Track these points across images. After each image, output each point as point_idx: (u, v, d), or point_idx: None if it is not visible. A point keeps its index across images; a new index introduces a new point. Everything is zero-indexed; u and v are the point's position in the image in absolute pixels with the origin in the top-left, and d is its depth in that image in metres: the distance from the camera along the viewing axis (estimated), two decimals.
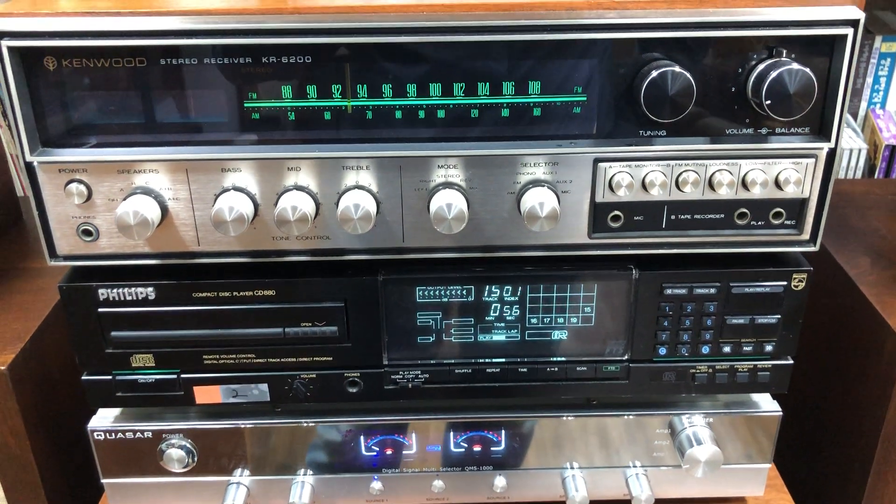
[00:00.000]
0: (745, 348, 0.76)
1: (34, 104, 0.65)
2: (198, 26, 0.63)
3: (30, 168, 0.67)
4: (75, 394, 0.92)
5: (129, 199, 0.67)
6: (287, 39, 0.63)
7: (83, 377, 0.77)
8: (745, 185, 0.68)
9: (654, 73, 0.62)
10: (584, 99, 0.67)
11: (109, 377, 0.76)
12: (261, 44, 0.64)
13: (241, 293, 0.73)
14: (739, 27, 0.64)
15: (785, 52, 0.64)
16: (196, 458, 0.81)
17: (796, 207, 0.70)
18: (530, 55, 0.65)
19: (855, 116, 1.43)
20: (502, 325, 0.76)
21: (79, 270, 0.73)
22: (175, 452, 0.80)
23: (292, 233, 0.67)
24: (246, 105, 0.67)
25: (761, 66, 0.64)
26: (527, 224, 0.67)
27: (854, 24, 0.63)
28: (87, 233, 0.69)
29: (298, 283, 0.73)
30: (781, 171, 0.68)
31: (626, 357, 0.77)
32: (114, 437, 0.80)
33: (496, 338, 0.77)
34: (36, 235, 1.10)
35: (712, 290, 0.74)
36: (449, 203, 0.66)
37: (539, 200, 0.66)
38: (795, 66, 0.62)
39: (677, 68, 0.63)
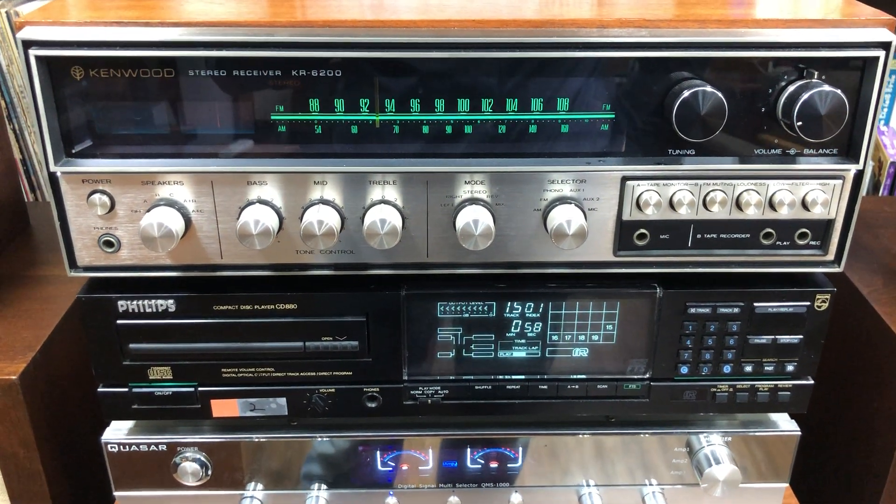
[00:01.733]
0: (766, 368, 0.76)
1: (60, 114, 0.64)
2: (227, 38, 0.62)
3: (53, 178, 0.66)
4: (86, 404, 0.91)
5: (153, 211, 0.66)
6: (317, 53, 0.63)
7: (99, 389, 0.76)
8: (772, 205, 0.68)
9: (686, 93, 0.62)
10: (613, 116, 0.67)
11: (126, 389, 0.76)
12: (290, 57, 0.63)
13: (263, 306, 0.72)
14: (770, 48, 0.64)
15: (816, 73, 0.64)
16: (210, 472, 0.80)
17: (822, 228, 0.70)
18: (559, 72, 0.65)
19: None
20: (523, 341, 0.76)
21: (98, 281, 0.73)
22: (189, 466, 0.79)
23: (318, 247, 0.66)
24: (273, 117, 0.66)
25: (792, 88, 0.64)
26: (554, 241, 0.67)
27: (886, 46, 0.63)
28: (109, 244, 0.69)
29: (320, 297, 0.72)
30: (809, 191, 0.68)
31: (647, 375, 0.77)
32: (128, 449, 0.79)
33: (517, 354, 0.76)
34: (44, 243, 1.10)
35: (736, 310, 0.73)
36: (476, 219, 0.66)
37: (567, 218, 0.66)
38: (827, 87, 0.62)
39: (709, 88, 0.62)
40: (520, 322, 0.75)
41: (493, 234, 0.66)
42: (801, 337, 0.75)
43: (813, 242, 0.71)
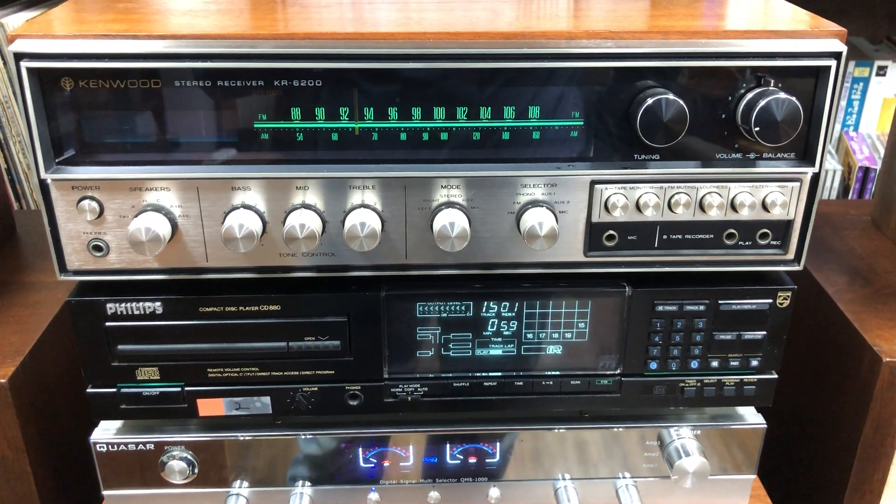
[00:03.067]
0: (731, 363, 0.79)
1: (50, 123, 0.67)
2: (211, 50, 0.65)
3: (44, 185, 0.68)
4: (74, 407, 0.93)
5: (141, 216, 0.69)
6: (298, 64, 0.66)
7: (87, 390, 0.78)
8: (733, 206, 0.72)
9: (650, 101, 0.66)
10: (582, 124, 0.70)
11: (114, 390, 0.78)
12: (272, 68, 0.66)
13: (247, 308, 0.75)
14: (730, 58, 0.67)
15: (773, 81, 0.68)
16: (197, 470, 0.82)
17: (782, 229, 0.74)
18: (531, 81, 0.68)
19: (829, 139, 1.48)
20: (499, 339, 0.79)
21: (86, 285, 0.75)
22: (176, 464, 0.81)
23: (300, 250, 0.69)
24: (256, 126, 0.69)
25: (750, 95, 0.67)
26: (526, 242, 0.70)
27: (837, 56, 0.67)
28: (98, 248, 0.71)
29: (303, 299, 0.75)
30: (768, 193, 0.71)
31: (618, 371, 0.80)
32: (116, 449, 0.81)
33: (493, 352, 0.79)
34: (31, 250, 1.12)
35: (701, 307, 0.77)
36: (452, 222, 0.69)
37: (538, 220, 0.69)
38: (782, 95, 0.66)
39: (671, 96, 0.66)
40: (496, 321, 0.78)
41: (469, 236, 0.69)
42: (765, 333, 0.78)
43: (773, 242, 0.74)
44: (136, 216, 0.69)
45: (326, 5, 0.78)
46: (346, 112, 0.69)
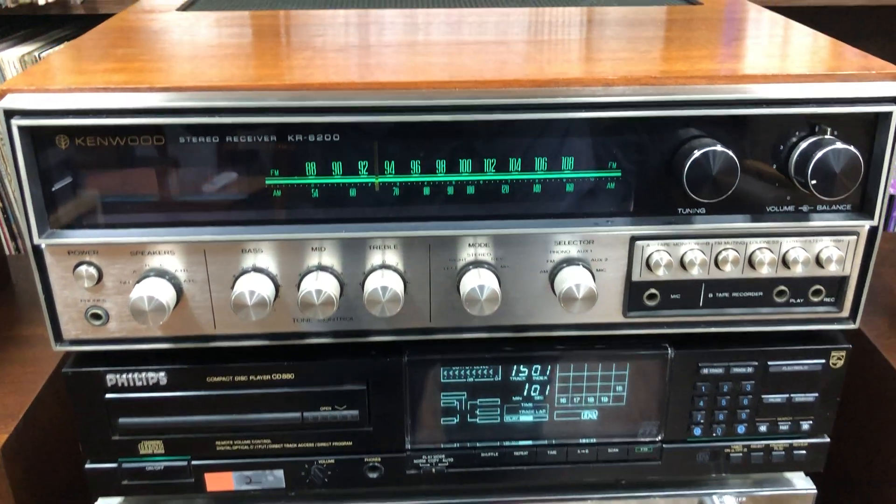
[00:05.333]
0: (780, 427, 0.74)
1: (43, 184, 0.61)
2: (220, 104, 0.60)
3: (37, 251, 0.63)
4: (72, 474, 0.87)
5: (143, 283, 0.63)
6: (314, 118, 0.60)
7: (87, 465, 0.72)
8: (785, 263, 0.66)
9: (697, 153, 0.60)
10: (619, 175, 0.65)
11: (115, 465, 0.72)
12: (286, 123, 0.61)
13: (258, 377, 0.69)
14: (782, 104, 0.62)
15: (828, 129, 0.62)
16: None
17: (836, 285, 0.68)
18: (564, 131, 0.63)
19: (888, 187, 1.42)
20: (530, 405, 0.73)
21: (84, 354, 0.69)
22: None
23: (317, 317, 0.64)
24: (268, 182, 0.63)
25: (804, 145, 0.62)
26: (562, 306, 0.64)
27: None
28: (97, 316, 0.66)
29: (319, 366, 0.69)
30: (823, 248, 0.66)
31: (659, 438, 0.74)
32: None
33: (524, 418, 0.73)
34: (26, 300, 1.06)
35: (749, 369, 0.71)
36: (481, 285, 0.63)
37: (575, 282, 0.64)
38: (840, 145, 0.60)
39: (719, 147, 0.61)
40: (527, 385, 0.72)
41: (500, 299, 0.64)
42: (817, 395, 0.72)
43: (827, 299, 0.69)
44: (137, 282, 0.63)
45: (336, 49, 0.73)
46: (364, 166, 0.63)
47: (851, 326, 0.70)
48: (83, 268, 0.63)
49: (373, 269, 0.65)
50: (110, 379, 0.68)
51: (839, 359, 0.71)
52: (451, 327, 0.68)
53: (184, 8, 0.92)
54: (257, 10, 0.92)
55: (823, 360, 0.71)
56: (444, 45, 0.76)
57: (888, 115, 0.62)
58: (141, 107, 0.59)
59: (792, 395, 0.72)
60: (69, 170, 0.61)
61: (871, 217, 0.65)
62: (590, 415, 0.73)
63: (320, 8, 0.94)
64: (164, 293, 0.63)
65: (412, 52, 0.74)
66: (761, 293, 0.68)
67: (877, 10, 1.69)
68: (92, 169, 0.62)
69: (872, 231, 0.66)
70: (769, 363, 0.71)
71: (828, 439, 0.75)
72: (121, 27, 0.82)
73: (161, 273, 0.64)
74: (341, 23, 0.85)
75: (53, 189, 0.62)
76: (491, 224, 0.65)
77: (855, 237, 0.66)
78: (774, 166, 0.64)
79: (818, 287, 0.68)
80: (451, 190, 0.64)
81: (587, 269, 0.65)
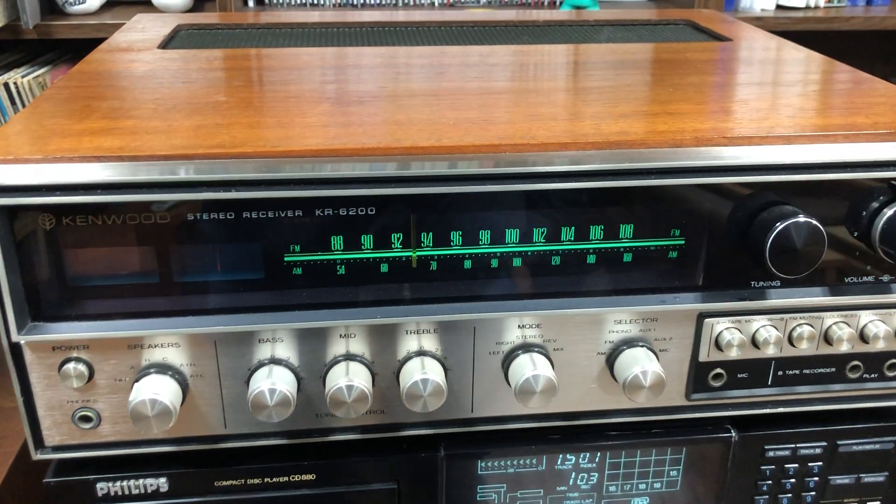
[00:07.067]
0: None
1: (24, 272, 0.51)
2: (233, 176, 0.51)
3: (15, 349, 0.53)
4: None
5: (143, 381, 0.54)
6: (345, 191, 0.52)
7: None
8: (862, 337, 0.60)
9: (780, 225, 0.54)
10: (683, 243, 0.58)
11: None
12: (312, 196, 0.52)
13: (275, 479, 0.60)
14: (865, 168, 0.56)
15: None
16: None
17: None
18: (621, 198, 0.56)
19: None
20: (576, 494, 0.65)
21: (69, 459, 0.59)
22: None
23: (349, 415, 0.55)
24: (287, 259, 0.55)
25: (890, 211, 0.56)
26: (627, 395, 0.57)
27: None
28: (86, 419, 0.56)
29: (343, 465, 0.61)
30: None
31: None
32: None
33: None
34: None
35: (818, 450, 0.65)
36: (536, 375, 0.56)
37: (641, 368, 0.56)
38: None
39: (803, 217, 0.54)
40: (573, 473, 0.64)
41: (557, 389, 0.56)
42: (887, 474, 0.66)
43: None
44: (136, 380, 0.54)
45: (360, 100, 0.65)
46: (398, 239, 0.55)
47: None
48: (71, 365, 0.54)
49: (409, 357, 0.57)
50: (101, 488, 0.59)
51: None
52: (494, 417, 0.61)
53: (163, 46, 0.83)
54: (244, 49, 0.83)
55: (895, 438, 0.65)
56: (473, 96, 0.68)
57: None
58: (140, 181, 0.50)
59: (861, 476, 0.66)
60: (54, 253, 0.52)
61: None
62: (641, 502, 0.66)
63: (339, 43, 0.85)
64: (169, 392, 0.54)
65: (436, 102, 0.66)
66: (833, 369, 0.62)
67: None
68: (80, 250, 0.52)
69: None
70: (838, 442, 0.65)
71: None
72: (99, 71, 0.72)
73: (163, 368, 0.55)
74: (358, 64, 0.77)
75: (36, 276, 0.52)
76: (542, 303, 0.58)
77: None
78: (855, 234, 0.58)
79: (894, 361, 0.62)
80: (495, 262, 0.57)
81: (651, 350, 0.58)
